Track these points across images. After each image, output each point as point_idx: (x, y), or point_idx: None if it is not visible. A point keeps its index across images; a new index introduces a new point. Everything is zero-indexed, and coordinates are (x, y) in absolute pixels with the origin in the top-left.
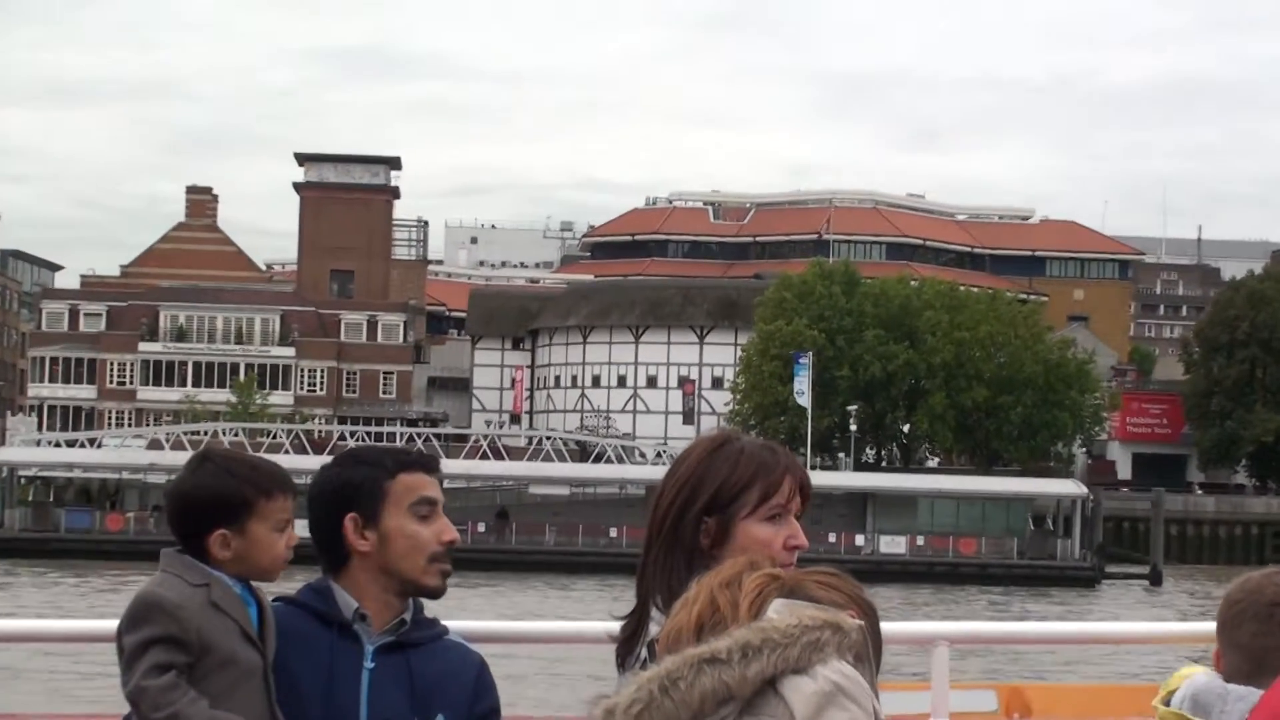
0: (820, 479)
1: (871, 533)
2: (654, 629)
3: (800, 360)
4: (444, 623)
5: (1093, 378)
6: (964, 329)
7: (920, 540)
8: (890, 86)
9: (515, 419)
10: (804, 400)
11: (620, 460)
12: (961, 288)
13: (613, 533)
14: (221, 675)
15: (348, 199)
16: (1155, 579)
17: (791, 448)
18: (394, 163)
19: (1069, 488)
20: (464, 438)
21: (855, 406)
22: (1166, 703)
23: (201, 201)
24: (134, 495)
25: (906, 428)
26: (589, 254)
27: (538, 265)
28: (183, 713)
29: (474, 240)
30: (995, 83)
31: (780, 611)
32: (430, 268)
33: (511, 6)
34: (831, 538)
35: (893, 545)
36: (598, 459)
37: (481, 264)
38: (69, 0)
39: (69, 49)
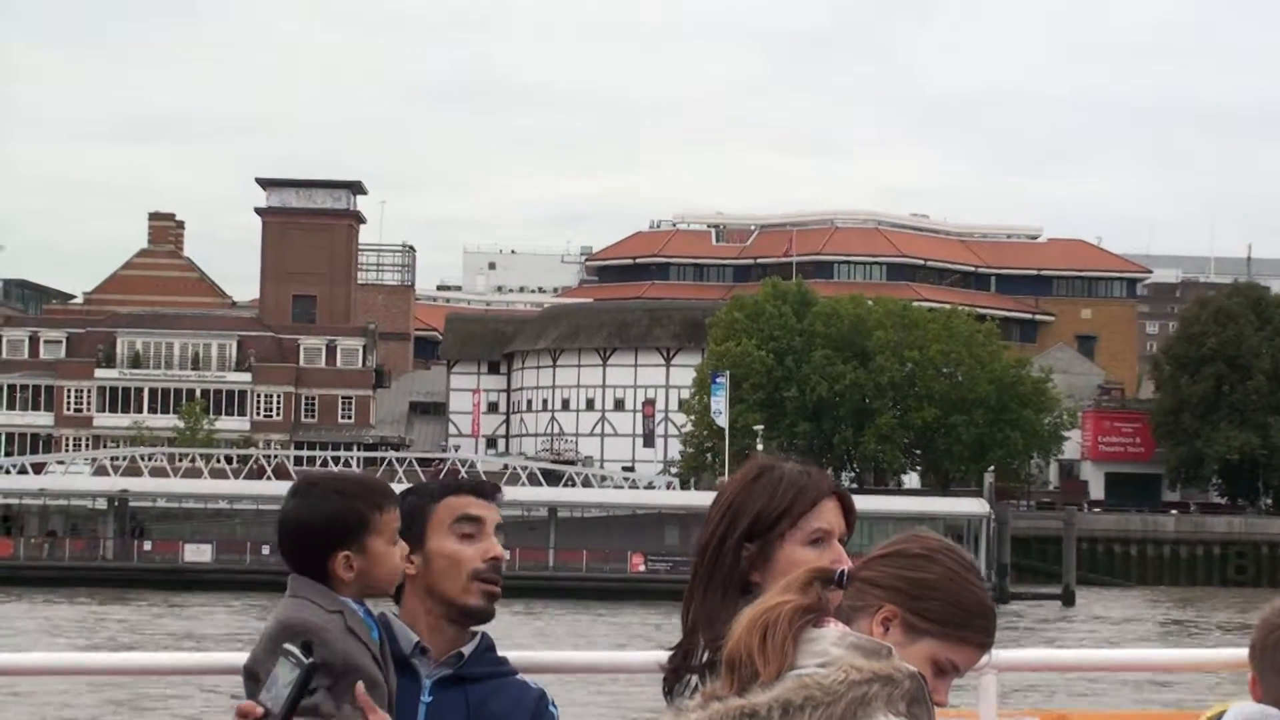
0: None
1: None
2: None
3: (718, 380)
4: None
5: (1050, 396)
6: (915, 348)
7: None
8: (982, 109)
9: (492, 443)
10: (721, 420)
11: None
12: (915, 304)
13: None
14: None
15: (310, 224)
16: (1068, 599)
17: (724, 470)
18: (357, 187)
19: (973, 507)
20: (428, 461)
21: (760, 427)
22: None
23: (164, 228)
24: (34, 521)
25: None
26: (596, 278)
27: (555, 290)
28: None
29: (492, 266)
30: (1088, 105)
31: (822, 653)
32: (444, 294)
33: (604, 35)
34: None
35: None
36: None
37: (499, 289)
38: (156, 34)
39: (157, 83)
